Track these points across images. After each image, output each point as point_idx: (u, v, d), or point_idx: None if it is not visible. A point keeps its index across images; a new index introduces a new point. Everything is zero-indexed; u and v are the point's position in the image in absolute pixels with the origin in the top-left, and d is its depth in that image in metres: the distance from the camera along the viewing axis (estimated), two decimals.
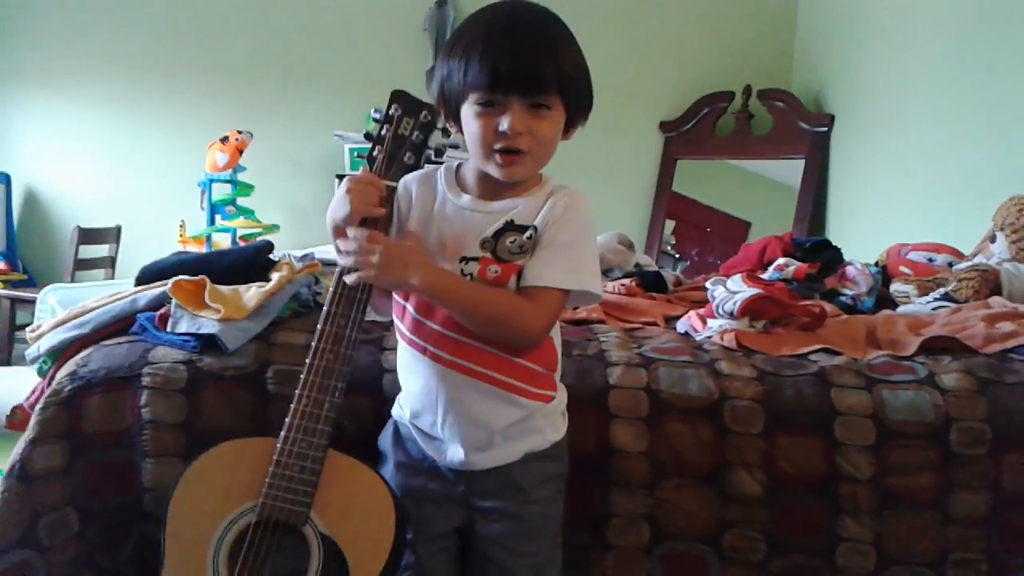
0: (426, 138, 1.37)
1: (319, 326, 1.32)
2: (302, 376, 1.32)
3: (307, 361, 1.32)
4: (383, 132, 1.37)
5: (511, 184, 1.32)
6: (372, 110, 1.40)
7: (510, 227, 1.31)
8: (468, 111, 1.28)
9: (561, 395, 1.43)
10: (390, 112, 1.37)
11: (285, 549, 1.32)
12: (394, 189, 1.36)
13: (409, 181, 1.38)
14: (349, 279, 1.28)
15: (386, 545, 1.31)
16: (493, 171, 1.29)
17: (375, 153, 1.37)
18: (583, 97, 1.32)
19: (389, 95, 1.39)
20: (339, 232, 1.31)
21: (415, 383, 1.37)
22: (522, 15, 1.29)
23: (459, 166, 1.40)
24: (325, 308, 1.33)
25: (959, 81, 3.27)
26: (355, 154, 4.85)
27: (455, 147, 1.19)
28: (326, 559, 1.31)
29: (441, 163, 1.40)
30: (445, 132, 1.38)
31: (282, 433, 1.31)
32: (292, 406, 1.32)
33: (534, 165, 1.31)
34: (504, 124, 1.24)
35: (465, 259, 1.31)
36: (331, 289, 1.33)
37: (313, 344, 1.32)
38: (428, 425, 1.37)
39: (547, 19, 1.30)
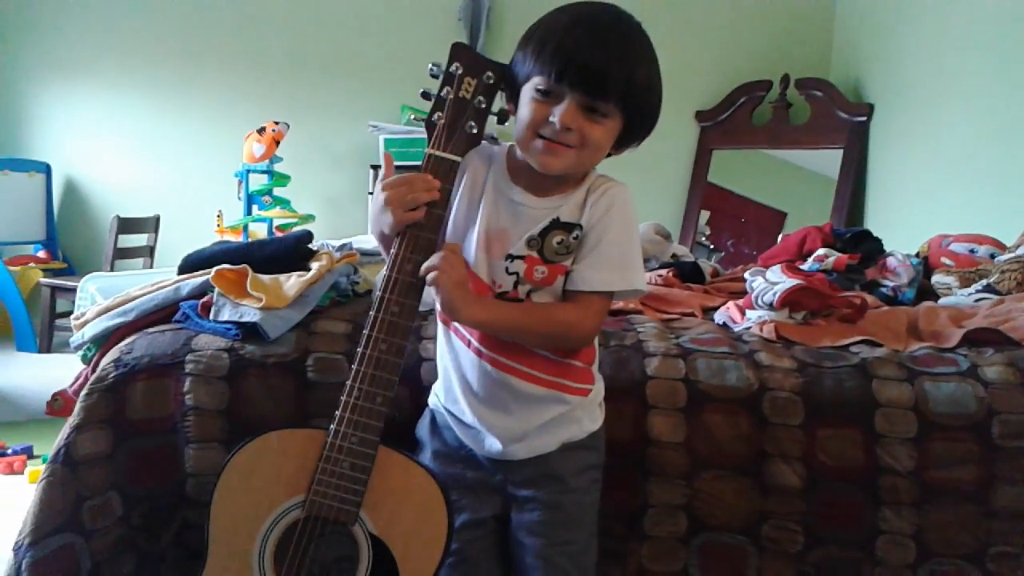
0: (489, 104, 1.29)
1: (372, 313, 1.26)
2: (354, 367, 1.26)
3: (359, 351, 1.26)
4: (443, 94, 1.27)
5: (561, 180, 1.30)
6: (430, 64, 1.29)
7: (556, 225, 1.30)
8: (526, 94, 1.25)
9: (599, 386, 1.43)
10: (451, 69, 1.27)
11: (333, 547, 1.28)
12: (456, 164, 1.29)
13: (464, 159, 1.32)
14: (430, 281, 1.22)
15: (439, 548, 1.27)
16: (532, 159, 1.27)
17: (434, 119, 1.28)
18: (646, 115, 1.28)
19: (450, 48, 1.28)
20: (387, 240, 1.30)
21: (455, 375, 1.37)
22: (606, 19, 1.25)
23: (512, 149, 1.36)
24: (378, 294, 1.26)
25: (1001, 70, 3.21)
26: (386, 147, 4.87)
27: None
28: (375, 560, 1.26)
29: (492, 137, 1.35)
30: (500, 118, 1.32)
31: (331, 427, 1.26)
32: (343, 398, 1.25)
33: (576, 164, 1.28)
34: (555, 115, 1.22)
35: (511, 256, 1.30)
36: (385, 274, 1.26)
37: (365, 332, 1.26)
38: (465, 415, 1.36)
39: (631, 27, 1.26)
